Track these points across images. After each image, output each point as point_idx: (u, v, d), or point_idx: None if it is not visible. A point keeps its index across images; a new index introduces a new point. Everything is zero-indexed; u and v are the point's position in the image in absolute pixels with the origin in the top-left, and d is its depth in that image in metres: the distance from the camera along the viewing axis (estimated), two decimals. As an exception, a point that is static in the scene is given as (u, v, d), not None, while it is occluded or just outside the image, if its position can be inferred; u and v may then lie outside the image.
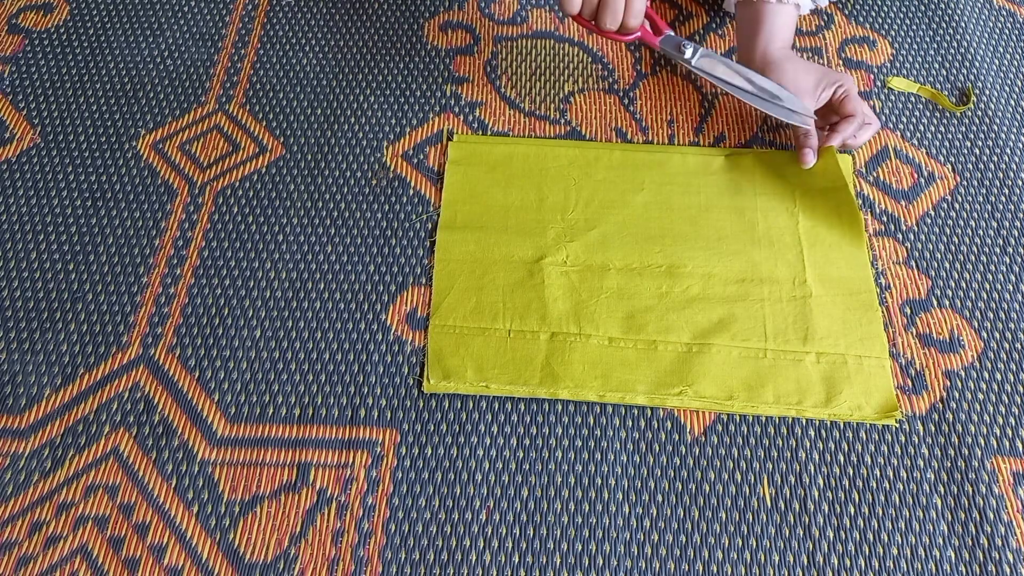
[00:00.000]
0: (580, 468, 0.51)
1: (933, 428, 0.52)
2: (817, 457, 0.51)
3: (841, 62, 0.70)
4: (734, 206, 0.61)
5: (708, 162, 0.63)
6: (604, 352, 0.54)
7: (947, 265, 0.59)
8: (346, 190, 0.62)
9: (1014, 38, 0.72)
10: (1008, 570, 0.47)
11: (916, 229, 0.60)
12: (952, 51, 0.71)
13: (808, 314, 0.56)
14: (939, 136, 0.65)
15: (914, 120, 0.66)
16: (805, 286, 0.57)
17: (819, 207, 0.61)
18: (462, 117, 0.66)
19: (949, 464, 0.51)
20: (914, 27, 0.72)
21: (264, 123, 0.66)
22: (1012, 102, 0.67)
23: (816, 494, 0.50)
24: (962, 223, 0.61)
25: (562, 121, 0.66)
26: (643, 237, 0.60)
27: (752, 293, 0.57)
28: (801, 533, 0.49)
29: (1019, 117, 0.66)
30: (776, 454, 0.51)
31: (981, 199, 0.62)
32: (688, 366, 0.54)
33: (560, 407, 0.53)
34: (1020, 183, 0.63)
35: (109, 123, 0.66)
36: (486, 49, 0.71)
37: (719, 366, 0.54)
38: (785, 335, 0.55)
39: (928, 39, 0.71)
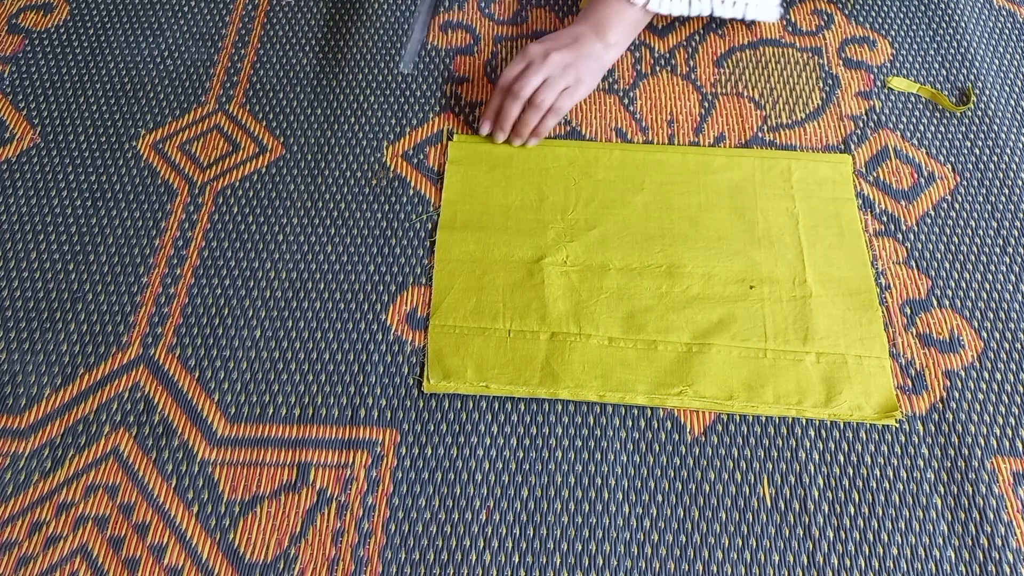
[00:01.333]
0: (580, 468, 0.51)
1: (933, 428, 0.52)
2: (817, 457, 0.51)
3: (841, 62, 0.70)
4: (734, 206, 0.61)
5: (708, 162, 0.63)
6: (604, 352, 0.54)
7: (947, 265, 0.59)
8: (346, 190, 0.62)
9: (1014, 38, 0.72)
10: (1008, 570, 0.47)
11: (916, 229, 0.60)
12: (952, 51, 0.71)
13: (808, 314, 0.56)
14: (939, 136, 0.65)
15: (914, 120, 0.66)
16: (805, 286, 0.57)
17: (819, 207, 0.61)
18: (462, 117, 0.66)
19: (949, 464, 0.51)
20: (914, 27, 0.72)
21: (264, 123, 0.66)
22: (1012, 102, 0.67)
23: (816, 494, 0.50)
24: (962, 223, 0.61)
25: (562, 121, 0.66)
26: (643, 237, 0.60)
27: (752, 293, 0.57)
28: (801, 533, 0.49)
29: (1019, 117, 0.66)
30: (776, 454, 0.51)
31: (981, 199, 0.62)
32: (688, 366, 0.54)
33: (560, 407, 0.53)
34: (1020, 183, 0.63)
35: (109, 123, 0.66)
36: (486, 49, 0.71)
37: (719, 366, 0.54)
38: (785, 335, 0.55)
39: (928, 39, 0.71)
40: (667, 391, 0.53)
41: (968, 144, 0.65)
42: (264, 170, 0.63)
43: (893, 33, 0.72)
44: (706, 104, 0.67)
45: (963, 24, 0.72)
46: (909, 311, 0.57)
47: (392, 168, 0.63)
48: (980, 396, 0.53)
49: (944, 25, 0.72)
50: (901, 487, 0.50)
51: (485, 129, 0.64)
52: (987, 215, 0.61)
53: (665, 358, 0.54)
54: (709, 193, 0.62)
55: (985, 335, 0.56)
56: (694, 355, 0.54)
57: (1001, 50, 0.71)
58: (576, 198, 0.61)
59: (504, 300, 0.57)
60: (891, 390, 0.53)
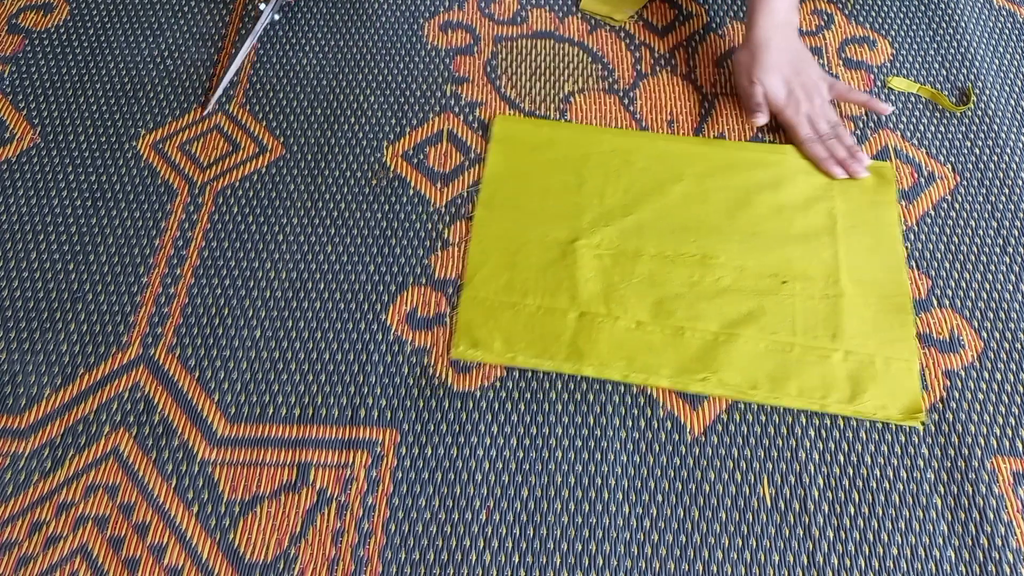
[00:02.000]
0: (580, 468, 0.51)
1: (933, 428, 0.52)
2: (817, 457, 0.51)
3: (841, 62, 0.70)
4: (773, 202, 0.61)
5: (750, 157, 0.63)
6: (631, 335, 0.55)
7: (947, 265, 0.59)
8: (346, 190, 0.62)
9: (1014, 38, 0.72)
10: (1008, 570, 0.47)
11: (916, 229, 0.60)
12: (952, 51, 0.71)
13: (839, 312, 0.56)
14: (939, 136, 0.65)
15: (914, 120, 0.66)
16: (838, 285, 0.57)
17: (859, 209, 0.60)
18: (462, 117, 0.66)
19: (949, 464, 0.51)
20: (914, 27, 0.72)
21: (264, 123, 0.66)
22: (1012, 102, 0.67)
23: (816, 494, 0.50)
24: (962, 223, 0.61)
25: (562, 121, 0.66)
26: (678, 226, 0.60)
27: (784, 288, 0.57)
28: (801, 533, 0.49)
29: (1019, 117, 0.66)
30: (776, 454, 0.51)
31: (981, 199, 0.62)
32: (714, 354, 0.54)
33: (560, 407, 0.53)
34: (1020, 183, 0.63)
35: (109, 123, 0.66)
36: (486, 49, 0.71)
37: (745, 356, 0.54)
38: (814, 331, 0.55)
39: (928, 39, 0.71)
40: (691, 376, 0.53)
41: (968, 144, 0.65)
42: (264, 170, 0.63)
43: (893, 33, 0.72)
44: (706, 104, 0.67)
45: (963, 24, 0.72)
46: (909, 311, 0.57)
47: (392, 168, 0.63)
48: (980, 396, 0.53)
49: (944, 25, 0.72)
50: (901, 487, 0.50)
51: (841, 174, 0.62)
52: (987, 215, 0.61)
53: (692, 344, 0.54)
54: (749, 187, 0.62)
55: (985, 335, 0.56)
56: (721, 344, 0.54)
57: (1001, 50, 0.71)
58: (615, 184, 0.62)
59: (536, 278, 0.57)
60: (918, 393, 0.53)
